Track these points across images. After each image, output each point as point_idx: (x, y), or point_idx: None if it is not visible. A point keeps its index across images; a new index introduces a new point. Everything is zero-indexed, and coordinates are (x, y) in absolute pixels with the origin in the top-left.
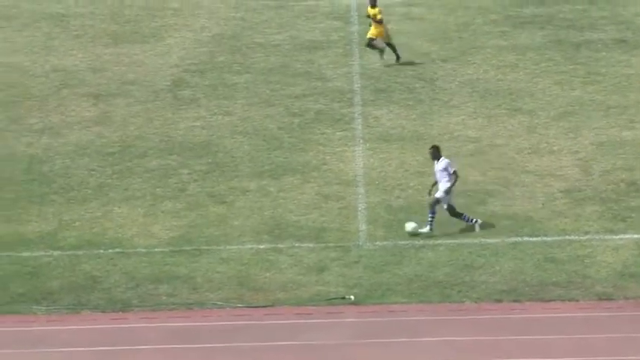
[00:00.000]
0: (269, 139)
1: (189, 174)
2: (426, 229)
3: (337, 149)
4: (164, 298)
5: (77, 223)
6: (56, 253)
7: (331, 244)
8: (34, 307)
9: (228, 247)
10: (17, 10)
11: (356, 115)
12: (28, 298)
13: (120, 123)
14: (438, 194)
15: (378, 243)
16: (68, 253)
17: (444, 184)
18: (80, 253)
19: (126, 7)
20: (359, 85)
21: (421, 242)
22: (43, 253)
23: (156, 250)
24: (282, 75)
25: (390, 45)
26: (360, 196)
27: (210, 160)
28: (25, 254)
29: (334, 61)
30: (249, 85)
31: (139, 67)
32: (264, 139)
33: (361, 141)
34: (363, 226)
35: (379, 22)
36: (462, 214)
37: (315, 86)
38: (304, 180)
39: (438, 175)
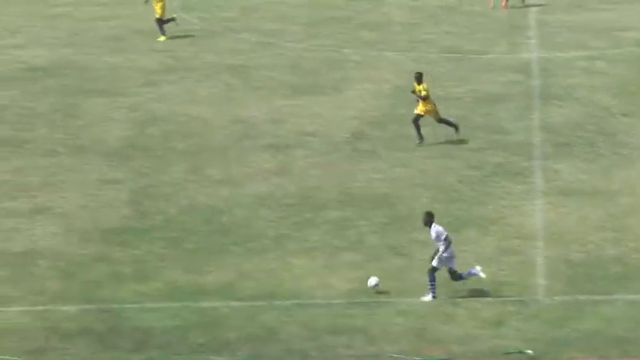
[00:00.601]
0: (448, 192)
1: (367, 226)
2: (428, 298)
3: (516, 203)
4: (341, 349)
5: (255, 274)
6: (234, 303)
7: (509, 298)
8: (213, 357)
9: (406, 299)
10: (199, 62)
11: (536, 168)
12: (207, 348)
13: (299, 174)
14: (434, 262)
15: (556, 298)
16: (246, 303)
17: (448, 252)
18: (258, 303)
19: (305, 59)
20: (539, 138)
21: (600, 297)
22: (221, 303)
23: (334, 301)
24: (462, 127)
25: (442, 121)
26: (539, 250)
27: (388, 212)
28: (204, 304)
29: (514, 114)
30: (429, 137)
31: (319, 119)
32: (443, 192)
33: (541, 195)
34: (541, 281)
35: (424, 99)
36: (460, 275)
37: (494, 139)
38: (483, 233)
39: (434, 243)
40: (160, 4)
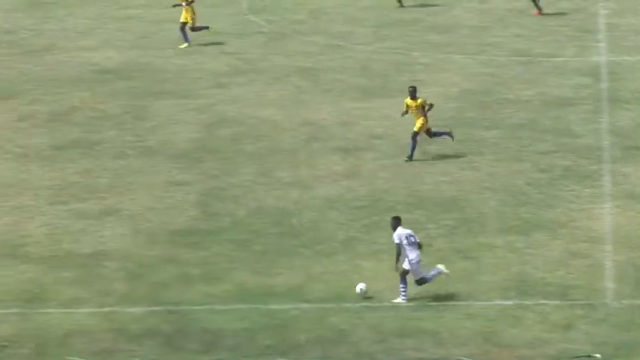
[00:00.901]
0: (516, 195)
1: (436, 229)
2: (399, 300)
3: (585, 206)
4: (409, 352)
5: (325, 277)
6: (304, 305)
7: (578, 302)
8: (281, 359)
9: (474, 302)
10: (269, 64)
11: (604, 172)
12: (275, 350)
13: (368, 177)
14: (406, 266)
15: (625, 301)
16: (315, 305)
17: (411, 256)
18: (327, 306)
19: (374, 61)
20: (607, 142)
21: None
22: (290, 305)
23: (402, 304)
24: (531, 131)
25: (433, 134)
26: (607, 253)
27: (457, 216)
28: (273, 306)
29: (583, 117)
30: (498, 140)
31: (387, 122)
32: (512, 195)
33: (609, 198)
34: (610, 284)
35: (430, 108)
36: (424, 279)
37: (563, 142)
38: (552, 236)
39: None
40: (187, 12)
